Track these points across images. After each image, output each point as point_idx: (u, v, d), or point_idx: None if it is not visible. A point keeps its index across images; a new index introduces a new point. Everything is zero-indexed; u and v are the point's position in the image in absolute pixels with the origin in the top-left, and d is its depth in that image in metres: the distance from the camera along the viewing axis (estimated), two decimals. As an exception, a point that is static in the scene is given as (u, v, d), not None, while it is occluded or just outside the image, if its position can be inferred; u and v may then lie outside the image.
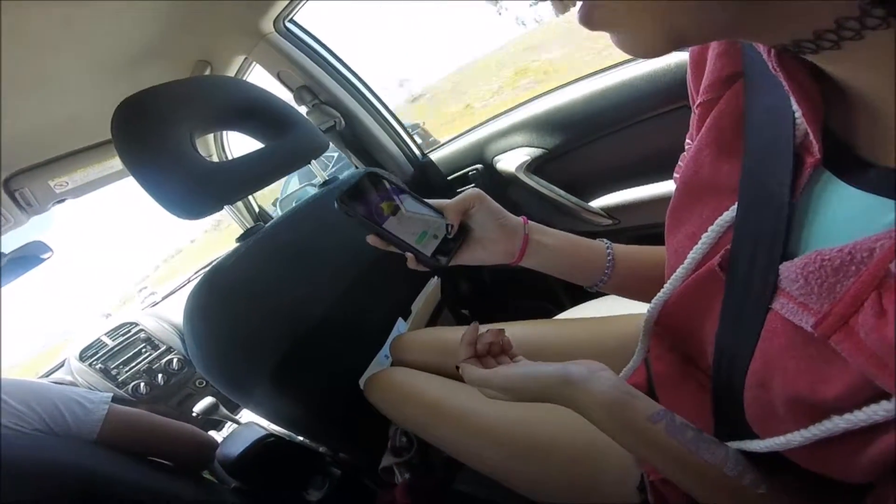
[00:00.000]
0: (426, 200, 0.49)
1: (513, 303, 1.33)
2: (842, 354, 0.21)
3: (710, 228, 0.32)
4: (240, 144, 1.51)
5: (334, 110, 1.09)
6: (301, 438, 0.98)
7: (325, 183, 0.90)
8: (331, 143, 1.01)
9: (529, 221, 0.50)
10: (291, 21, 1.03)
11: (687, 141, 0.41)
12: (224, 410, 1.12)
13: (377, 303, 0.91)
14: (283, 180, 2.58)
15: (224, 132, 1.46)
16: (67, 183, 1.17)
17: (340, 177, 0.92)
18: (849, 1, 0.18)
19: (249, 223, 1.66)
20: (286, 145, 0.77)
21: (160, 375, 1.37)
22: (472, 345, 0.46)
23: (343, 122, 1.10)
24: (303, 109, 1.10)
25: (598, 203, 1.00)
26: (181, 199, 0.63)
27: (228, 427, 1.30)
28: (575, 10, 0.23)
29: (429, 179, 1.23)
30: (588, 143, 0.96)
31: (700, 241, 0.33)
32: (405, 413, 0.71)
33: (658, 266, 0.41)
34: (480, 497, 0.67)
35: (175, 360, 1.40)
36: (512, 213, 0.50)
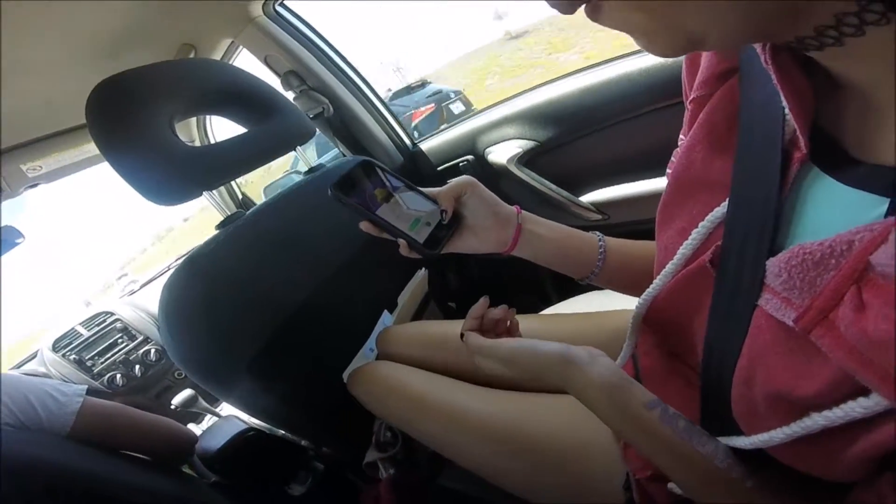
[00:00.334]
0: (419, 188, 0.49)
1: (501, 297, 1.32)
2: (822, 349, 0.21)
3: (700, 224, 0.32)
4: (224, 130, 1.48)
5: (322, 96, 1.07)
6: (283, 432, 0.97)
7: (310, 170, 0.88)
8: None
9: (523, 211, 0.50)
10: (282, 5, 1.01)
11: (680, 137, 0.41)
12: (203, 403, 1.11)
13: (362, 294, 0.89)
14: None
15: (207, 117, 1.42)
16: (41, 167, 1.15)
17: (327, 165, 0.89)
18: None
19: (232, 210, 1.63)
20: (270, 130, 0.74)
21: (137, 367, 1.34)
22: (479, 318, 0.47)
23: (331, 108, 1.08)
24: (290, 95, 1.08)
25: (588, 198, 1.01)
26: (157, 185, 0.60)
27: (208, 420, 1.28)
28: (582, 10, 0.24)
29: (419, 169, 1.22)
30: (581, 138, 0.96)
31: (690, 237, 0.33)
32: (390, 407, 0.70)
33: (649, 260, 0.41)
34: (465, 493, 0.66)
35: (153, 351, 1.38)
36: None
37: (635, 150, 0.91)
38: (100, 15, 0.80)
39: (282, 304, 0.73)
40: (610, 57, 0.90)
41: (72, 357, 1.33)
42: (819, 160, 0.26)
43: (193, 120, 1.42)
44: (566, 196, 1.01)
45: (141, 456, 0.82)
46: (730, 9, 0.20)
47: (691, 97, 0.36)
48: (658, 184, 0.89)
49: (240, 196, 1.66)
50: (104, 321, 1.42)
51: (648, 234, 0.43)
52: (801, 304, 0.23)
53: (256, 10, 0.97)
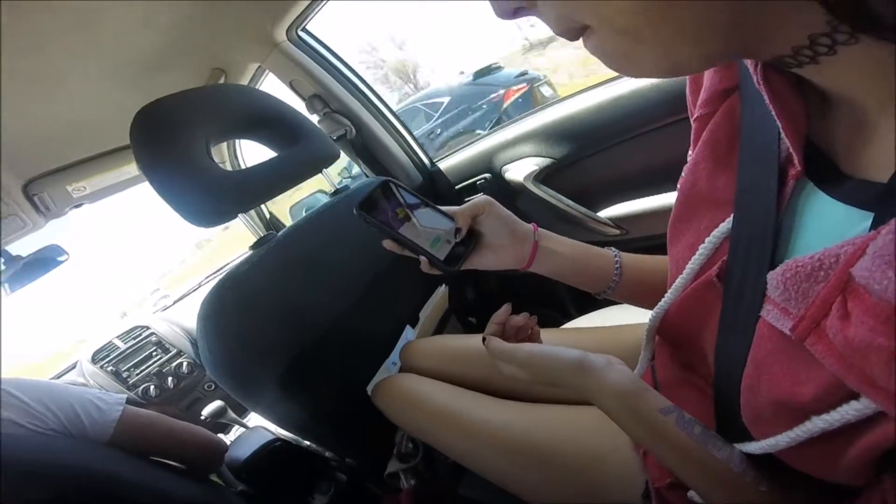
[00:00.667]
0: (439, 207, 0.51)
1: (519, 312, 1.32)
2: (816, 356, 0.22)
3: (706, 240, 0.33)
4: (252, 152, 1.54)
5: (345, 119, 1.11)
6: (308, 443, 0.99)
7: (336, 192, 0.92)
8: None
9: (539, 228, 0.51)
10: (304, 30, 1.04)
11: (689, 153, 0.42)
12: (232, 414, 1.13)
13: (386, 310, 0.91)
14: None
15: (237, 140, 1.49)
16: (85, 188, 1.20)
17: (351, 186, 0.93)
18: (819, 18, 0.19)
19: (261, 229, 1.69)
20: (298, 154, 0.78)
21: (170, 378, 1.38)
22: (502, 325, 0.48)
23: (353, 130, 1.12)
24: (314, 118, 1.11)
25: (605, 213, 1.01)
26: (197, 207, 0.64)
27: (236, 431, 1.31)
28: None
29: (437, 188, 1.24)
30: (596, 153, 0.97)
31: (697, 253, 0.34)
32: (411, 418, 0.72)
33: (664, 274, 0.41)
34: (485, 503, 0.67)
35: (185, 364, 1.42)
36: None
37: (651, 164, 0.91)
38: (136, 39, 0.84)
39: (310, 324, 0.75)
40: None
41: (109, 368, 1.38)
42: (813, 175, 0.27)
43: (224, 143, 1.47)
44: (583, 212, 1.01)
45: (173, 463, 0.84)
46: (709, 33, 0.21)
47: (695, 115, 0.37)
48: (675, 198, 0.89)
49: (267, 215, 1.71)
50: (140, 335, 1.48)
51: (666, 249, 0.43)
52: (796, 314, 0.24)
53: (280, 35, 1.00)
